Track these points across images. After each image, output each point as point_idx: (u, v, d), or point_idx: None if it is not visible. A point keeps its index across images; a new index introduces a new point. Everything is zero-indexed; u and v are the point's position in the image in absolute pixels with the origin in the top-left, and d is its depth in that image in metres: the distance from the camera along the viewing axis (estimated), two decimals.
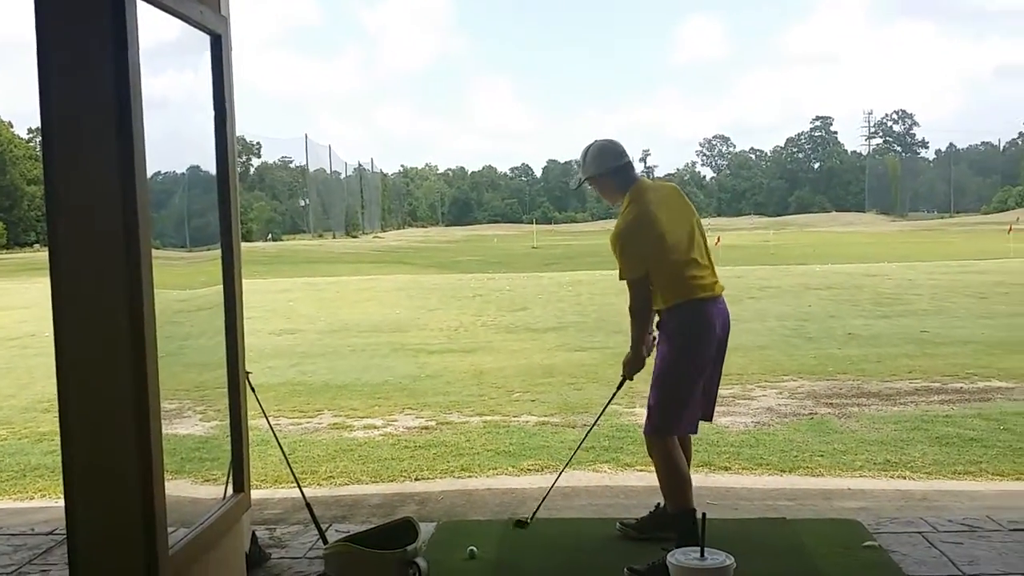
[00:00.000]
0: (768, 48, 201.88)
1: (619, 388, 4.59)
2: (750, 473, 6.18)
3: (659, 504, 4.38)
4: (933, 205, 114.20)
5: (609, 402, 4.76)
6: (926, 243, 42.68)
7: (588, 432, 5.11)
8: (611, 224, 4.39)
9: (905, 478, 6.03)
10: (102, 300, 2.89)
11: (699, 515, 3.51)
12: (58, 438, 2.98)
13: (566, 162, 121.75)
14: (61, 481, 2.96)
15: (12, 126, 69.33)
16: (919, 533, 4.48)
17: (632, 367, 4.36)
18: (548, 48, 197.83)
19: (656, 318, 4.26)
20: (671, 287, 4.11)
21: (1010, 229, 39.31)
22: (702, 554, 3.27)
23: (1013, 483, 5.91)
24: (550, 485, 4.56)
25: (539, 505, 4.45)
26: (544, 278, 25.96)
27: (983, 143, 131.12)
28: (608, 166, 4.25)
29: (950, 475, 6.07)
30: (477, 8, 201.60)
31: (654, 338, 4.30)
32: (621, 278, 4.16)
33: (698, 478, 6.06)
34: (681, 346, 4.10)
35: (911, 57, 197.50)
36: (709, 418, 4.32)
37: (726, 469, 6.23)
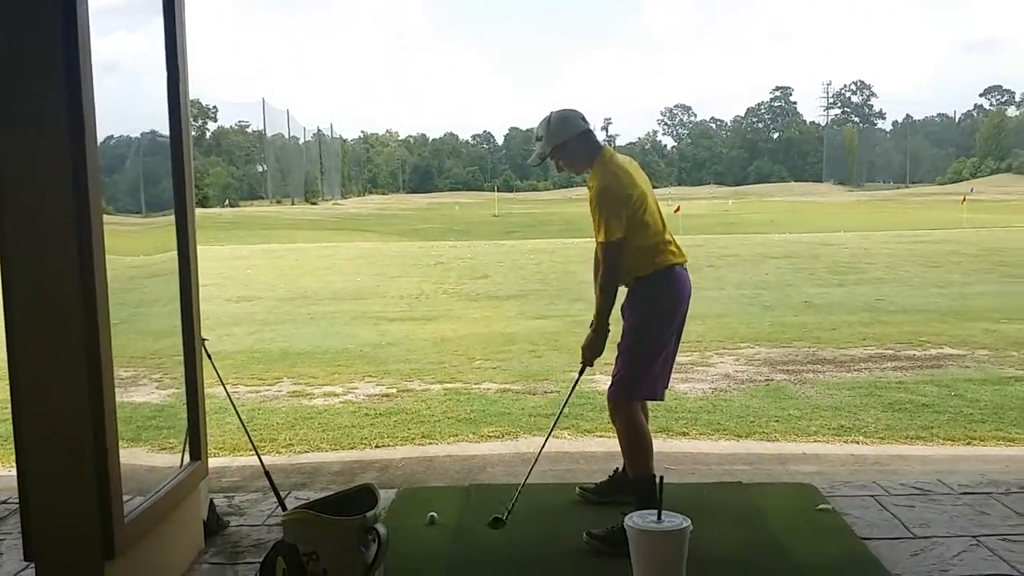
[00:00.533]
0: (730, 18, 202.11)
1: (579, 376, 4.39)
2: (708, 438, 6.25)
3: (618, 469, 4.41)
4: (889, 176, 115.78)
5: (570, 394, 4.50)
6: (882, 213, 43.30)
7: (554, 424, 4.75)
8: (574, 192, 4.37)
9: (858, 443, 6.14)
10: (52, 266, 2.83)
11: (657, 479, 3.53)
12: (9, 407, 2.93)
13: (527, 129, 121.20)
14: (13, 450, 2.91)
15: None
16: (871, 496, 4.56)
17: (592, 351, 4.17)
18: (510, 15, 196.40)
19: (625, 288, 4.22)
20: (650, 253, 4.06)
21: (964, 199, 40.03)
22: (659, 517, 3.30)
23: (963, 448, 6.04)
24: (522, 481, 4.34)
25: (513, 502, 4.24)
26: (505, 246, 25.95)
27: (939, 115, 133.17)
28: (574, 131, 4.17)
29: (902, 440, 6.19)
30: None
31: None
32: (604, 240, 4.00)
33: (656, 443, 6.03)
34: (657, 311, 4.08)
35: (870, 28, 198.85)
36: (666, 385, 4.34)
37: (684, 434, 6.30)
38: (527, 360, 9.16)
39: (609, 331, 4.17)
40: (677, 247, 4.17)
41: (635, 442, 4.09)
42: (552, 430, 4.65)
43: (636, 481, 4.06)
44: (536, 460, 4.43)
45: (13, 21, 2.75)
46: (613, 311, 4.12)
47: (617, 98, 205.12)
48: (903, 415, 6.74)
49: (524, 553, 3.92)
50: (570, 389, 4.51)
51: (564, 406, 4.61)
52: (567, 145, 4.17)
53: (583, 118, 4.24)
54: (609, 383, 4.17)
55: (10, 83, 2.78)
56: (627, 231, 4.00)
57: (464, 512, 4.37)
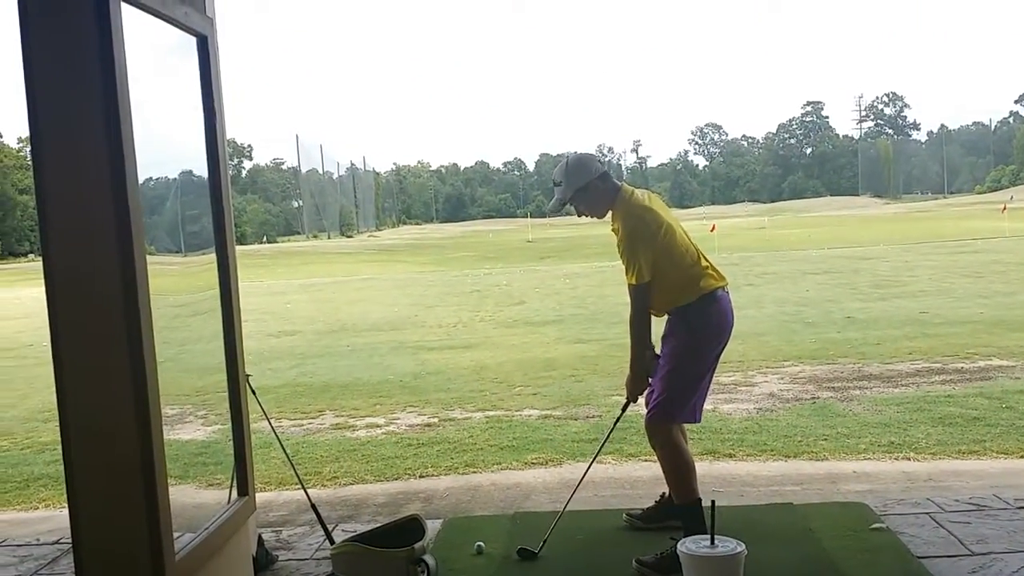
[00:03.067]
0: (757, 33, 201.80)
1: (623, 412, 4.40)
2: (755, 459, 6.16)
3: (664, 493, 4.36)
4: (927, 187, 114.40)
5: (613, 427, 4.49)
6: (921, 224, 42.72)
7: (596, 454, 4.66)
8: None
9: (910, 459, 6.02)
10: (98, 308, 2.87)
11: (708, 503, 3.49)
12: (60, 448, 2.96)
13: (558, 155, 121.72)
14: (65, 490, 2.94)
15: (1, 136, 69.25)
16: (926, 514, 4.47)
17: (634, 388, 4.19)
18: (538, 41, 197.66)
19: (661, 321, 4.16)
20: (689, 282, 4.03)
21: (1004, 208, 39.35)
22: (712, 542, 3.26)
23: (1018, 460, 5.90)
24: (559, 512, 4.33)
25: (547, 534, 4.18)
26: (540, 271, 25.97)
27: (975, 123, 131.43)
28: (594, 174, 4.14)
29: (954, 455, 6.06)
30: (462, 3, 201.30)
31: (656, 356, 4.17)
32: (633, 283, 4.00)
33: (703, 466, 6.04)
34: (700, 337, 4.05)
35: (899, 39, 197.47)
36: (702, 407, 4.28)
37: (730, 456, 6.22)
38: (567, 385, 9.11)
39: (651, 363, 4.14)
40: (715, 270, 4.14)
41: (678, 466, 4.04)
42: (594, 459, 4.64)
43: (682, 505, 4.00)
44: (576, 488, 4.41)
45: (56, 70, 2.81)
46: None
47: (647, 119, 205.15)
48: (954, 429, 6.61)
49: None
50: (613, 423, 4.50)
51: (606, 440, 4.61)
52: (588, 188, 4.14)
53: (600, 160, 4.26)
54: (649, 412, 4.12)
55: (52, 129, 2.84)
56: (662, 265, 4.00)
57: (511, 540, 4.34)
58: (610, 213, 4.18)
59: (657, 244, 4.01)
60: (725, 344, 4.16)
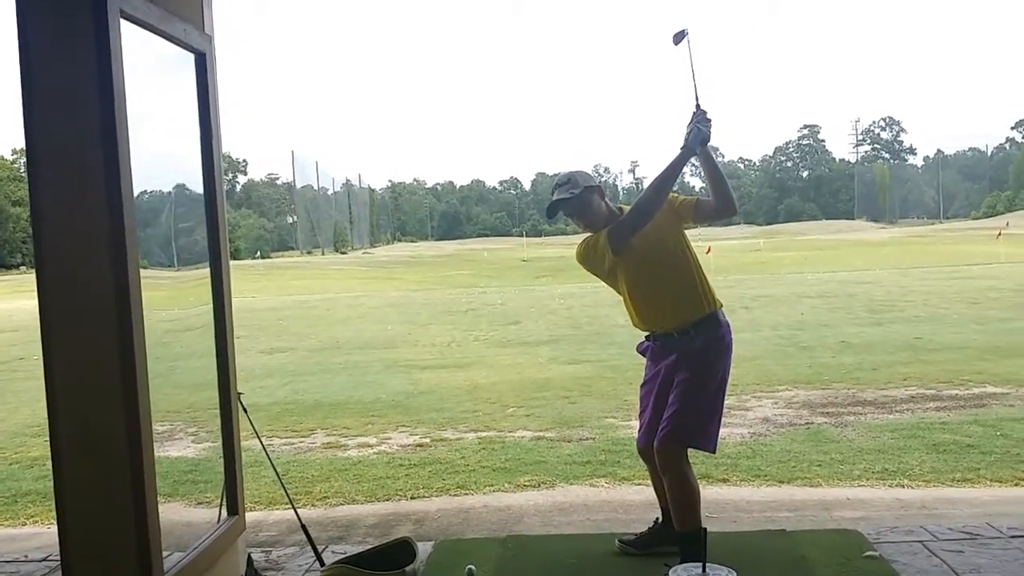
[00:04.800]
0: (754, 56, 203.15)
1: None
2: (748, 485, 6.14)
3: (658, 519, 4.32)
4: (923, 211, 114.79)
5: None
6: (916, 249, 42.83)
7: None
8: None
9: (904, 486, 5.99)
10: (91, 322, 2.85)
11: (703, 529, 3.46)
12: (49, 463, 2.93)
13: (554, 174, 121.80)
14: (53, 507, 2.91)
15: None
16: (919, 542, 4.44)
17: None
18: (535, 60, 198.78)
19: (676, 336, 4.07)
20: (697, 297, 4.01)
21: (999, 234, 39.52)
22: (704, 570, 3.23)
23: (1012, 489, 5.88)
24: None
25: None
26: (536, 291, 25.95)
27: (971, 149, 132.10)
28: (592, 182, 4.14)
29: (948, 482, 6.03)
30: (457, 17, 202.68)
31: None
32: (616, 254, 3.95)
33: None
34: (711, 356, 4.02)
35: (896, 64, 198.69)
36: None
37: (724, 481, 6.18)
38: (561, 406, 9.08)
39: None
40: (714, 296, 4.13)
41: (686, 493, 3.98)
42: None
43: (683, 533, 3.96)
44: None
45: (54, 84, 2.80)
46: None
47: (644, 140, 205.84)
48: (948, 456, 6.59)
49: None
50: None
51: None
52: (586, 194, 4.08)
53: (593, 176, 4.26)
54: (662, 430, 4.03)
55: (48, 141, 2.82)
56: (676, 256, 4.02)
57: (501, 564, 4.30)
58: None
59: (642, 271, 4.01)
60: (729, 368, 4.14)
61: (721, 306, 4.11)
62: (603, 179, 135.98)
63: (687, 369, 4.00)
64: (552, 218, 4.31)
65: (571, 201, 4.09)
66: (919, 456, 6.62)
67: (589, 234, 4.12)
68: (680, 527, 3.99)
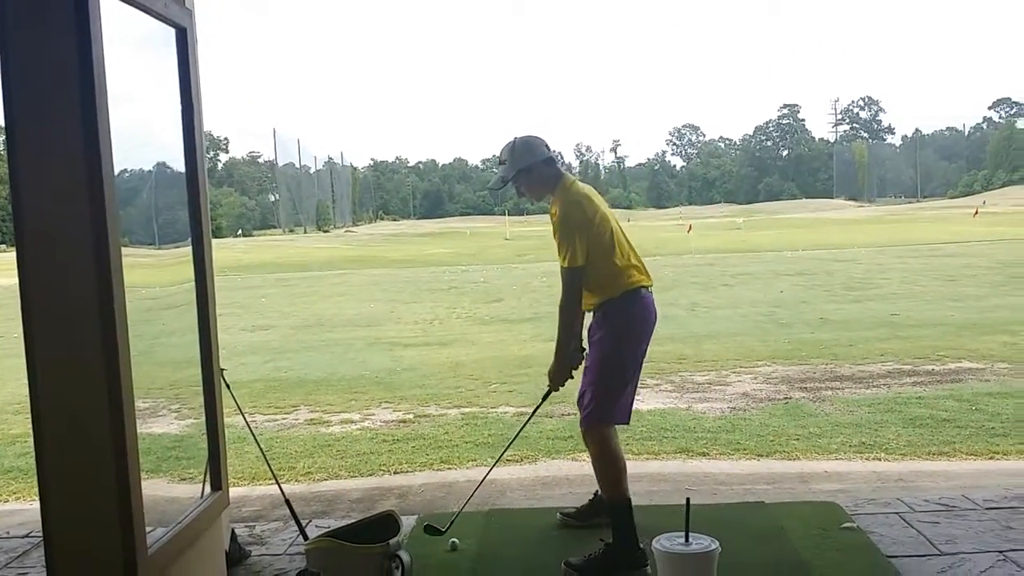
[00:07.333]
0: (736, 36, 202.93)
1: (544, 399, 4.44)
2: (728, 458, 6.21)
3: (596, 492, 4.35)
4: (901, 190, 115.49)
5: (532, 414, 4.62)
6: (894, 228, 43.10)
7: (514, 437, 4.97)
8: None
9: (880, 460, 6.08)
10: (72, 299, 2.84)
11: (682, 500, 3.50)
12: (31, 440, 2.93)
13: None
14: (36, 483, 2.91)
15: None
16: (896, 513, 4.52)
17: (558, 376, 4.21)
18: (516, 39, 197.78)
19: (589, 317, 4.16)
20: (617, 275, 4.04)
21: (976, 212, 39.88)
22: (687, 539, 3.27)
23: (986, 462, 5.98)
24: (460, 507, 4.36)
25: (458, 512, 4.29)
26: (517, 269, 25.96)
27: (948, 128, 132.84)
28: (539, 157, 4.15)
29: (924, 456, 6.13)
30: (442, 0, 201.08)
31: (583, 351, 4.19)
32: (566, 265, 4.00)
33: (676, 464, 6.11)
34: (624, 333, 4.06)
35: (875, 44, 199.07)
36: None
37: (704, 455, 6.26)
38: (543, 383, 9.00)
39: (575, 355, 4.17)
40: (644, 270, 4.15)
41: (609, 465, 4.04)
42: (502, 456, 4.94)
43: (612, 504, 4.01)
44: (479, 486, 4.58)
45: (33, 59, 2.78)
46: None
47: (625, 119, 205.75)
48: (924, 431, 6.68)
49: None
50: (533, 410, 4.59)
51: (521, 429, 4.83)
52: (531, 170, 4.15)
53: (547, 145, 4.27)
54: (582, 411, 4.12)
55: (28, 118, 2.81)
56: (592, 255, 4.00)
57: (485, 537, 4.35)
58: (550, 198, 4.18)
59: (592, 232, 4.01)
60: (648, 343, 4.17)
61: (648, 284, 4.12)
62: (585, 158, 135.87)
63: (598, 343, 4.09)
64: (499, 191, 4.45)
65: (508, 182, 4.23)
66: (896, 430, 6.72)
67: (555, 212, 4.13)
68: (608, 498, 4.05)
